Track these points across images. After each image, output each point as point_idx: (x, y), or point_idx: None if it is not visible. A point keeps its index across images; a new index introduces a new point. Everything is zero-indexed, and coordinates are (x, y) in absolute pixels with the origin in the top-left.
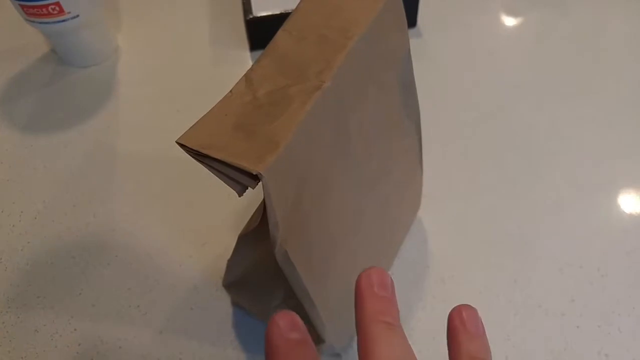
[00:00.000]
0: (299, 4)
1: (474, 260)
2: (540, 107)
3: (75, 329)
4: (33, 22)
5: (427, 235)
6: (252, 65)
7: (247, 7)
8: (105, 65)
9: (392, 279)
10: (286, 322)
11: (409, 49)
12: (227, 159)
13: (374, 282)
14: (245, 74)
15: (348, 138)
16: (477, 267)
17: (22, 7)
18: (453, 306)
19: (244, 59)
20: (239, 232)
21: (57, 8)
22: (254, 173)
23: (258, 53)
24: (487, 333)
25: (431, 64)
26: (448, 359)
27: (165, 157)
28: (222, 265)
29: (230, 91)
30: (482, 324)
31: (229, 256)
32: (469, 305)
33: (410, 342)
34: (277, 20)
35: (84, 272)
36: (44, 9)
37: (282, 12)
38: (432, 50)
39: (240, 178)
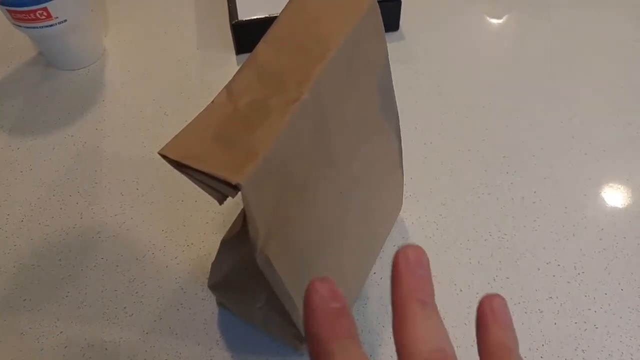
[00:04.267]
0: (279, 15)
1: (454, 259)
2: (519, 108)
3: (61, 332)
4: (21, 26)
5: (409, 236)
6: (234, 76)
7: (232, 11)
8: (93, 68)
9: (428, 257)
10: (327, 290)
11: (387, 56)
12: (207, 169)
13: (411, 260)
14: (226, 85)
15: (328, 144)
16: (458, 266)
17: (10, 12)
18: None
19: (230, 62)
20: (223, 233)
21: (45, 13)
22: (234, 183)
23: (244, 56)
24: (467, 330)
25: (413, 67)
26: (477, 347)
27: (151, 160)
28: (208, 265)
29: (212, 102)
30: (510, 314)
31: (213, 256)
32: (499, 294)
33: (393, 342)
34: (261, 25)
35: (70, 275)
36: (31, 14)
37: (267, 16)
38: (414, 53)
39: (220, 187)
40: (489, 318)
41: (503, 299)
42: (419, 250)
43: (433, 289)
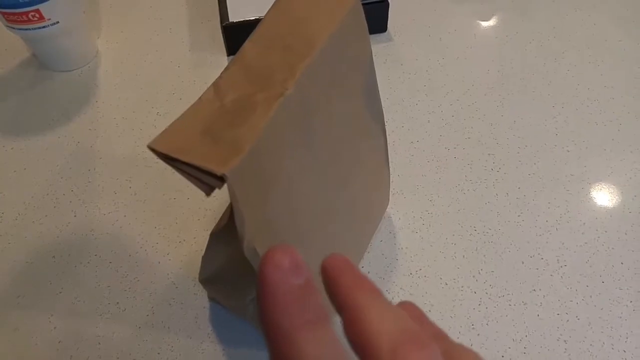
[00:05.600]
0: (265, 15)
1: (440, 253)
2: (504, 107)
3: (55, 327)
4: (14, 28)
5: (396, 231)
6: (221, 74)
7: (223, 13)
8: (86, 69)
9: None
10: (289, 263)
11: (372, 56)
12: (194, 161)
13: (341, 265)
14: (214, 82)
15: (313, 140)
16: (443, 261)
17: (3, 14)
18: (420, 299)
19: (222, 64)
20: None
21: (37, 15)
22: (219, 174)
23: None
24: (453, 323)
25: (400, 67)
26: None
27: (144, 159)
28: (199, 261)
29: (200, 98)
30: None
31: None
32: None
33: None
34: (252, 26)
35: (64, 271)
36: (24, 16)
37: (258, 17)
38: (401, 54)
39: (207, 179)
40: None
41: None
42: (344, 257)
43: (373, 282)
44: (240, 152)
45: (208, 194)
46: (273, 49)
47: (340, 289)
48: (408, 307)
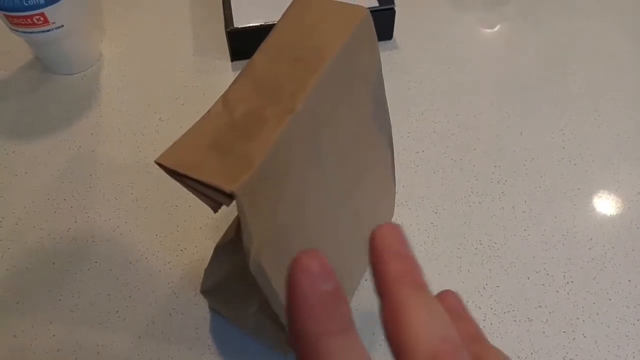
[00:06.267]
0: (276, 25)
1: (444, 267)
2: (510, 118)
3: (54, 335)
4: (18, 31)
5: None
6: (230, 86)
7: (228, 18)
8: (89, 73)
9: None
10: (319, 268)
11: (380, 66)
12: (202, 178)
13: (393, 241)
14: (222, 95)
15: (321, 152)
16: (448, 274)
17: (7, 17)
18: None
19: (225, 69)
20: (216, 238)
21: (42, 18)
22: (228, 192)
23: (239, 63)
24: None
25: (406, 76)
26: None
27: (146, 165)
28: (201, 270)
29: (208, 111)
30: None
31: (207, 262)
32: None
33: (384, 349)
34: (257, 32)
35: (63, 278)
36: (28, 19)
37: (262, 24)
38: (407, 62)
39: (215, 196)
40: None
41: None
42: (397, 228)
43: (421, 268)
44: (249, 169)
45: (215, 210)
46: (283, 61)
47: (384, 275)
48: (449, 298)
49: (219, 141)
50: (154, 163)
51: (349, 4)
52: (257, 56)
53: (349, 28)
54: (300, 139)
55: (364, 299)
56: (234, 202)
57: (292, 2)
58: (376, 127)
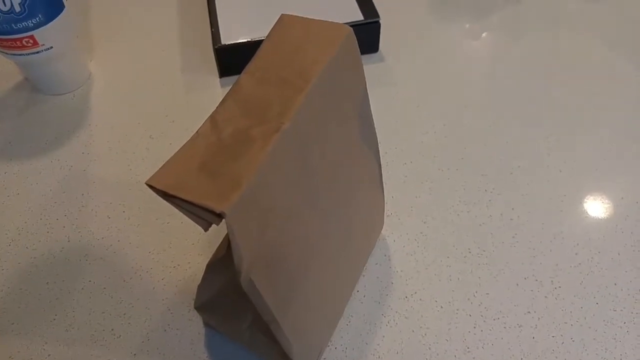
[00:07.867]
0: (261, 46)
1: (435, 276)
2: (496, 127)
3: (49, 354)
4: (7, 54)
5: (391, 254)
6: (217, 107)
7: (215, 36)
8: (79, 92)
9: None
10: None
11: (365, 82)
12: (192, 199)
13: None
14: (210, 115)
15: (310, 170)
16: (438, 283)
17: None
18: (416, 322)
19: (214, 85)
20: (208, 254)
21: (31, 41)
22: (218, 212)
23: (227, 79)
24: (448, 346)
25: (393, 88)
26: None
27: (138, 183)
28: (194, 287)
29: (197, 132)
30: None
31: (200, 277)
32: None
33: (376, 358)
34: (244, 49)
35: (57, 298)
36: (18, 42)
37: (249, 40)
38: (393, 74)
39: (205, 216)
40: None
41: None
42: None
43: None
44: (238, 189)
45: (206, 229)
46: (269, 82)
47: None
48: None
49: (207, 162)
50: (147, 176)
51: (332, 22)
52: (243, 77)
53: (332, 47)
54: (288, 157)
55: (355, 310)
56: (224, 221)
57: (276, 23)
58: (363, 141)
